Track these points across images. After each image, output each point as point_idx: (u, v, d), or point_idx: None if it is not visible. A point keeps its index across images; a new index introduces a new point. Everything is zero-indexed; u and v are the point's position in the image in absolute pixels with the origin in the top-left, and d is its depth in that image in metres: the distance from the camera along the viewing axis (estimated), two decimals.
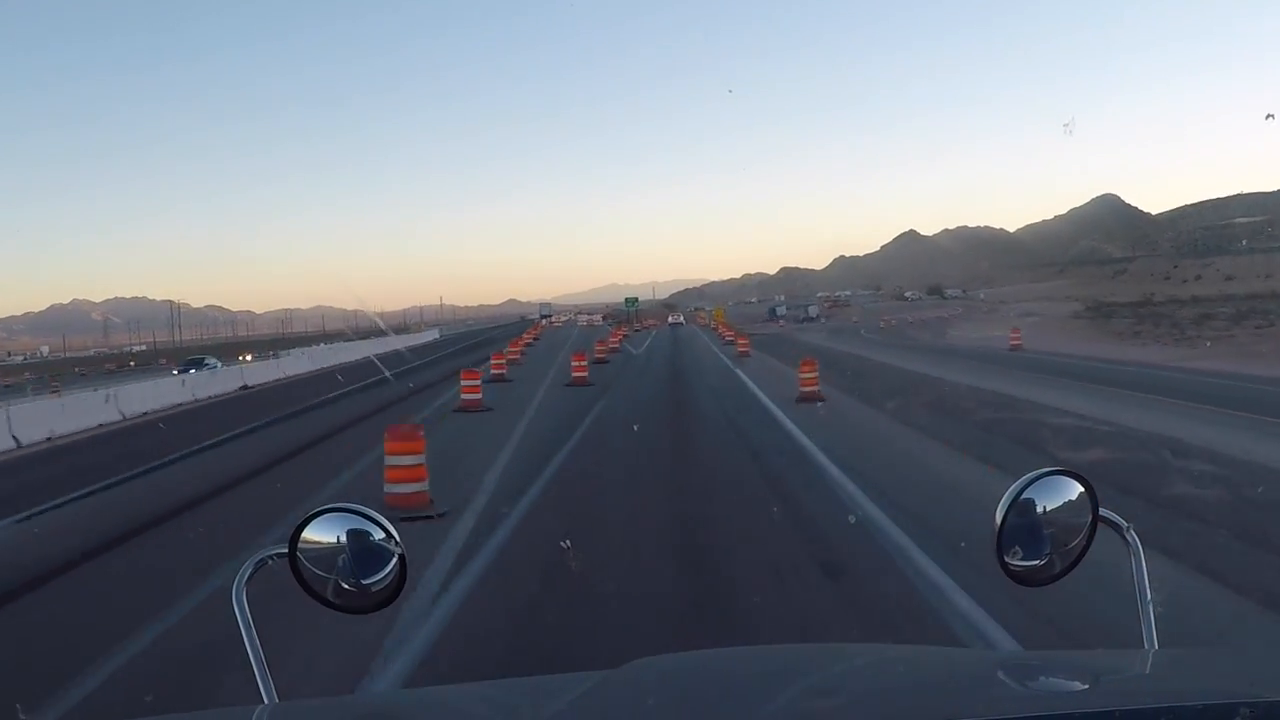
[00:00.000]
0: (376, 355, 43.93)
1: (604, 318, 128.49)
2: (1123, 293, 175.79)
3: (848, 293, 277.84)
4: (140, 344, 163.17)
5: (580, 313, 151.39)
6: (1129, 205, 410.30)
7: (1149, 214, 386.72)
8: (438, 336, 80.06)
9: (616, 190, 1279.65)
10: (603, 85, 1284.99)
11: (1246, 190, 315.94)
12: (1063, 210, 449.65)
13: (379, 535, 1.78)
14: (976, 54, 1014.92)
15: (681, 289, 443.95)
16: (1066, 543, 1.77)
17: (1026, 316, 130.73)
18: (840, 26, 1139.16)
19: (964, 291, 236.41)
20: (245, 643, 1.72)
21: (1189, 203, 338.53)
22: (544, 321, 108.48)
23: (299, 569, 1.76)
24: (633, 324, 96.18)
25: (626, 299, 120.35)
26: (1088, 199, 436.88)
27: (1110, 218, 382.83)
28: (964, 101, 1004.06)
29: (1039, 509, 1.76)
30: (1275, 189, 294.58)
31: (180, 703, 5.45)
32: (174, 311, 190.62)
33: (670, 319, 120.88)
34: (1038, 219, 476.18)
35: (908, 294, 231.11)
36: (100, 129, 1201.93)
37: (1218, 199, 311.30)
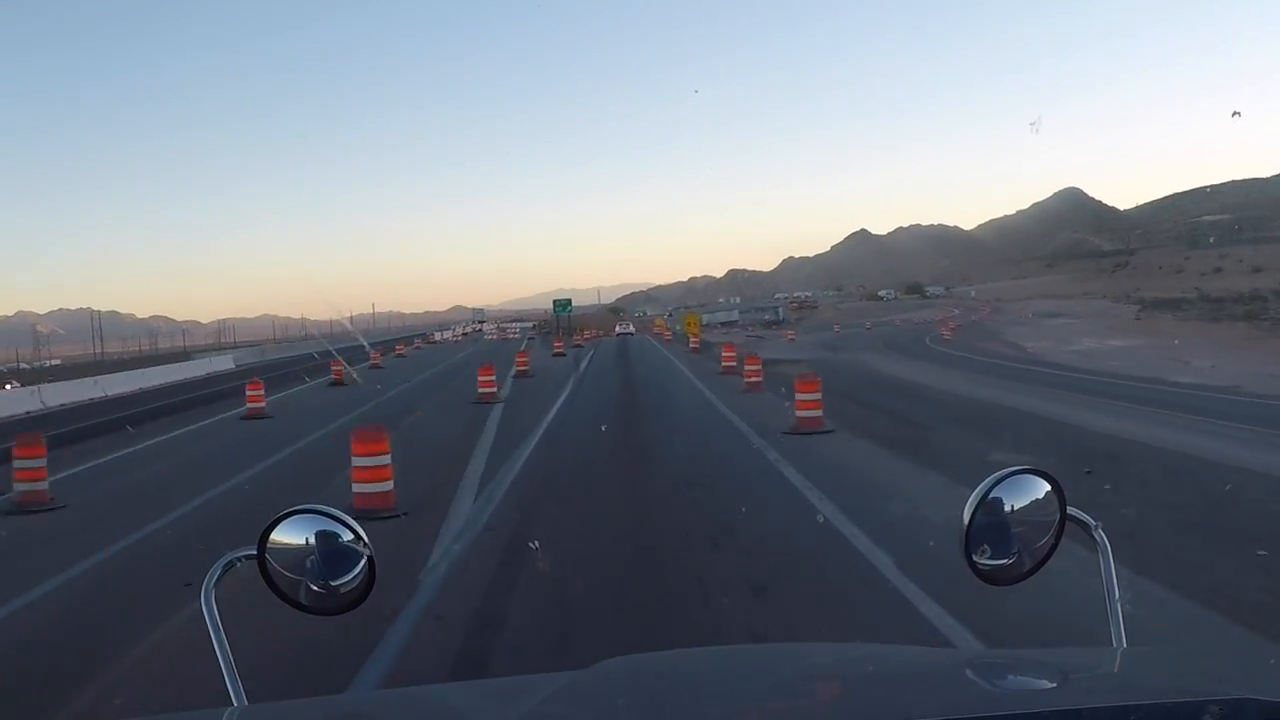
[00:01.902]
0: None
1: (536, 326, 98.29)
2: (1150, 287, 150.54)
3: (808, 293, 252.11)
4: (54, 359, 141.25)
5: (513, 320, 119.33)
6: (1093, 199, 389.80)
7: (1116, 208, 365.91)
8: (232, 366, 47.29)
9: (560, 195, 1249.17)
10: (546, 91, 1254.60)
11: (1226, 179, 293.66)
12: (1025, 205, 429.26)
13: (348, 537, 1.73)
14: (927, 51, 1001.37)
15: (627, 293, 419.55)
16: (1035, 541, 1.72)
17: (1053, 318, 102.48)
18: (786, 27, 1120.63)
19: (947, 289, 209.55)
20: (214, 644, 1.68)
21: (1165, 194, 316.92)
22: (442, 335, 74.89)
23: (267, 570, 1.71)
24: (559, 334, 65.19)
25: (556, 301, 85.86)
26: (1050, 193, 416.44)
27: (1074, 211, 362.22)
28: (915, 99, 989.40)
29: (1007, 508, 1.71)
30: (1248, 178, 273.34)
31: None
32: (94, 320, 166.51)
33: (618, 328, 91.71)
34: (994, 215, 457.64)
35: (882, 293, 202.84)
36: (45, 140, 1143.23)
37: (1201, 189, 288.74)
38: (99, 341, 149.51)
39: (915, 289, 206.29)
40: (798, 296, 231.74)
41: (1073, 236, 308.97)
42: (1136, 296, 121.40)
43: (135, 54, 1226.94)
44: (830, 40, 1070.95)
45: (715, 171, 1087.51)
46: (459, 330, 77.91)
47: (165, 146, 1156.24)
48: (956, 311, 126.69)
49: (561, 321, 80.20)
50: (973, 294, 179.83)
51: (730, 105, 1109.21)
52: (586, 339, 64.80)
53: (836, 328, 73.74)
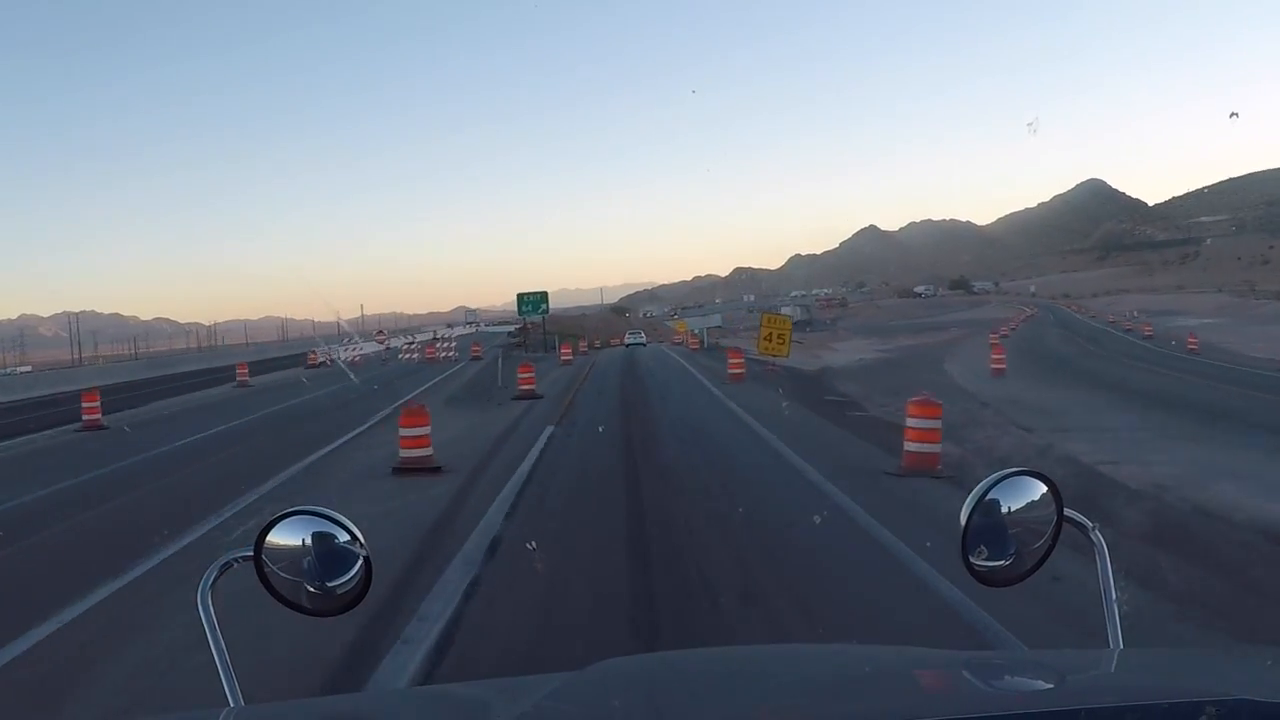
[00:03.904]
0: None
1: (516, 332, 72.89)
2: (1258, 279, 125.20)
3: (826, 290, 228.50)
4: (25, 365, 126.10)
5: (503, 322, 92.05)
6: (1118, 190, 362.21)
7: (1144, 201, 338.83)
8: None
9: (564, 194, 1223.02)
10: (553, 91, 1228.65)
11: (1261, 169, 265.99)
12: (1045, 198, 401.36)
13: (344, 538, 1.68)
14: (934, 47, 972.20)
15: (631, 292, 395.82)
16: (1031, 543, 1.69)
17: (1171, 316, 75.15)
18: (795, 25, 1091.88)
19: (996, 284, 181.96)
20: (210, 645, 1.65)
21: (1212, 182, 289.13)
22: (328, 355, 43.76)
23: (264, 571, 1.67)
24: (526, 342, 38.37)
25: (522, 297, 50.99)
26: (1071, 185, 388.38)
27: (1100, 203, 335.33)
28: (922, 95, 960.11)
29: (1004, 510, 1.68)
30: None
31: None
32: (72, 324, 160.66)
33: (627, 336, 65.71)
34: (1009, 209, 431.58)
35: (920, 289, 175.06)
36: (51, 145, 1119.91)
37: (1251, 174, 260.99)
38: (78, 347, 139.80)
39: (960, 284, 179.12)
40: (819, 294, 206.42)
41: (1118, 227, 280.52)
42: (1266, 290, 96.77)
43: (140, 57, 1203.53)
44: (837, 36, 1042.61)
45: (719, 170, 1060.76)
46: (354, 351, 44.30)
47: (169, 151, 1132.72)
48: (1030, 311, 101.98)
49: (534, 329, 52.69)
50: (1032, 289, 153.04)
51: (735, 103, 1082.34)
52: (566, 359, 36.91)
53: (1004, 333, 44.93)
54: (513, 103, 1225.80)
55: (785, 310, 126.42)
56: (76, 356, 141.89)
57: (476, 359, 37.79)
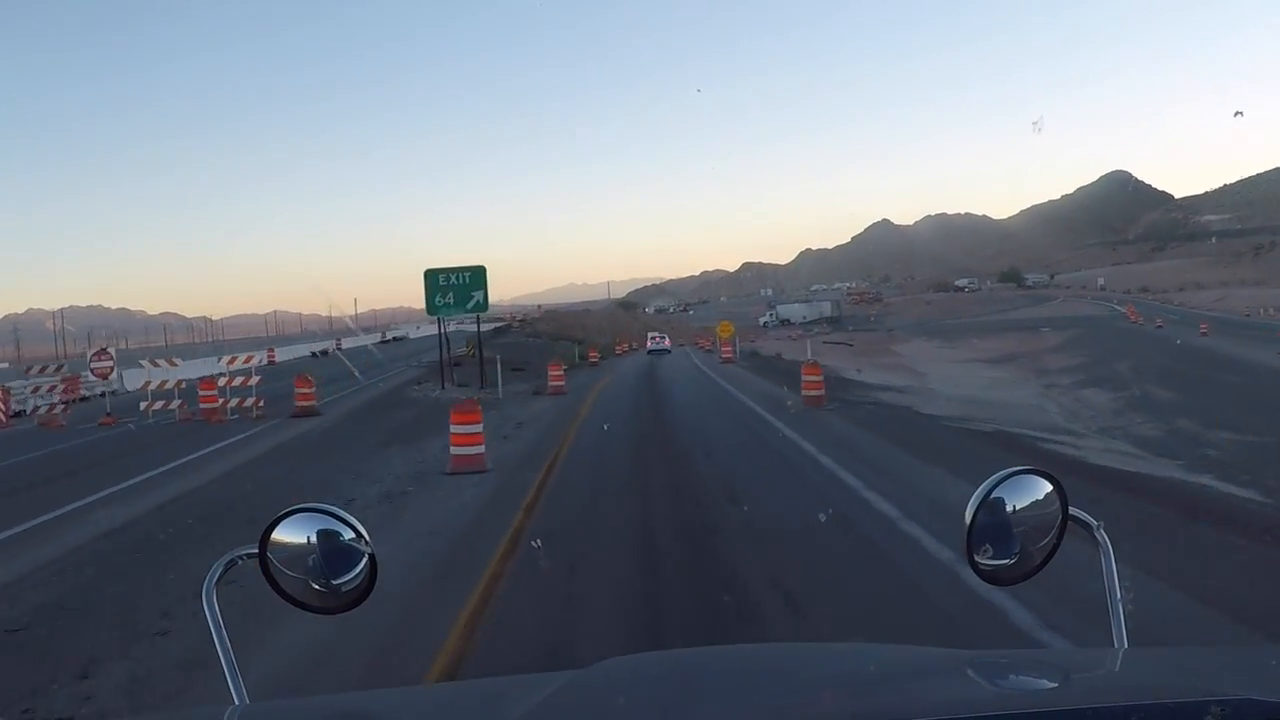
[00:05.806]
0: None
1: (468, 345, 52.86)
2: None
3: (850, 284, 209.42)
4: (3, 362, 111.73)
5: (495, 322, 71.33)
6: (1144, 182, 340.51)
7: (1171, 193, 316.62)
8: None
9: (572, 190, 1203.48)
10: (559, 84, 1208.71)
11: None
12: (1068, 190, 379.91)
13: (349, 535, 1.65)
14: (943, 41, 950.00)
15: (639, 287, 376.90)
16: (1036, 542, 1.64)
17: None
18: (804, 16, 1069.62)
19: (1051, 277, 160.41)
20: (215, 643, 1.61)
21: (1237, 179, 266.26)
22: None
23: (269, 569, 1.63)
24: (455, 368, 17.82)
25: (431, 276, 24.18)
26: (1095, 177, 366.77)
27: (1129, 195, 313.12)
28: (931, 90, 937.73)
29: (1009, 508, 1.63)
30: None
31: None
32: (57, 320, 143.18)
33: (650, 341, 52.65)
34: (1027, 203, 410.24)
35: (962, 282, 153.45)
36: (59, 138, 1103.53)
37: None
38: (62, 343, 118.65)
39: (1011, 277, 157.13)
40: (843, 287, 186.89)
41: (1166, 217, 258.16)
42: None
43: (145, 54, 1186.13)
44: (848, 27, 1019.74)
45: (729, 163, 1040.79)
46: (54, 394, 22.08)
47: (178, 144, 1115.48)
48: (1119, 307, 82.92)
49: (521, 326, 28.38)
50: (1101, 283, 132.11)
51: (744, 96, 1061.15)
52: (467, 451, 11.52)
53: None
54: (516, 98, 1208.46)
55: (796, 306, 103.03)
56: (63, 353, 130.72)
57: (304, 413, 16.64)
